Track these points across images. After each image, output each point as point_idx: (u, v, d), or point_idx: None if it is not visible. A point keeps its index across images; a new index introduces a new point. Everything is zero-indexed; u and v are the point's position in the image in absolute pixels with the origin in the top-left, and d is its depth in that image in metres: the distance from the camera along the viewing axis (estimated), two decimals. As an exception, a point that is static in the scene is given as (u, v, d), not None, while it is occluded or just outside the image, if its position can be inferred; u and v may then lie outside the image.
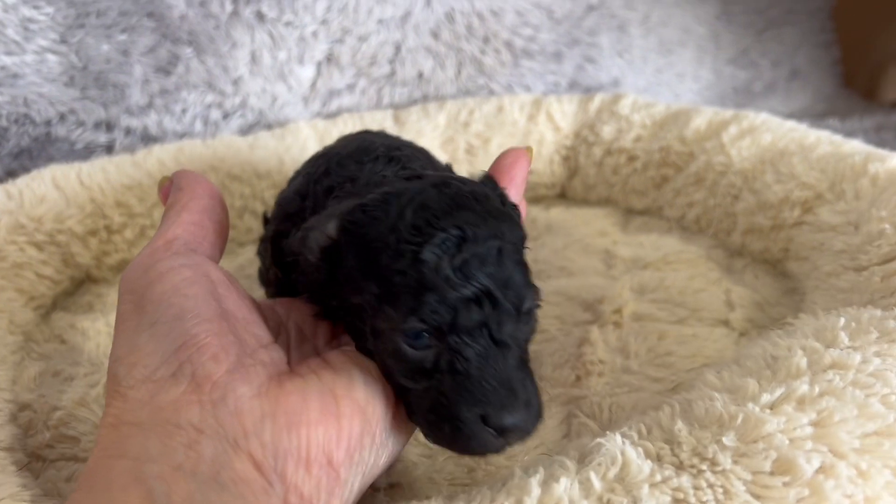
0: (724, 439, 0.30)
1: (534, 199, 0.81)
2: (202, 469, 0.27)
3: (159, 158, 0.69)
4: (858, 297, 0.44)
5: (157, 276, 0.32)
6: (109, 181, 0.66)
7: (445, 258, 0.29)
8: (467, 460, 0.40)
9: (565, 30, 0.95)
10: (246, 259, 0.68)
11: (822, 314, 0.40)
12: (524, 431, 0.30)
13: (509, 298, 0.30)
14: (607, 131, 0.77)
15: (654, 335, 0.50)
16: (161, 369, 0.29)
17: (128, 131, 0.75)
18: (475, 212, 0.31)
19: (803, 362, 0.34)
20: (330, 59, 0.84)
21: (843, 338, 0.35)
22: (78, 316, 0.58)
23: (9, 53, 0.68)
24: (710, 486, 0.28)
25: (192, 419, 0.28)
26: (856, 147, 0.58)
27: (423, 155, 0.47)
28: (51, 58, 0.70)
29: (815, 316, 0.40)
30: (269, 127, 0.81)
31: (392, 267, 0.30)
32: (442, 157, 0.73)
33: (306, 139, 0.76)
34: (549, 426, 0.43)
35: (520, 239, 0.33)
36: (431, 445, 0.41)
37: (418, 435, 0.35)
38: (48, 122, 0.71)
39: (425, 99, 0.88)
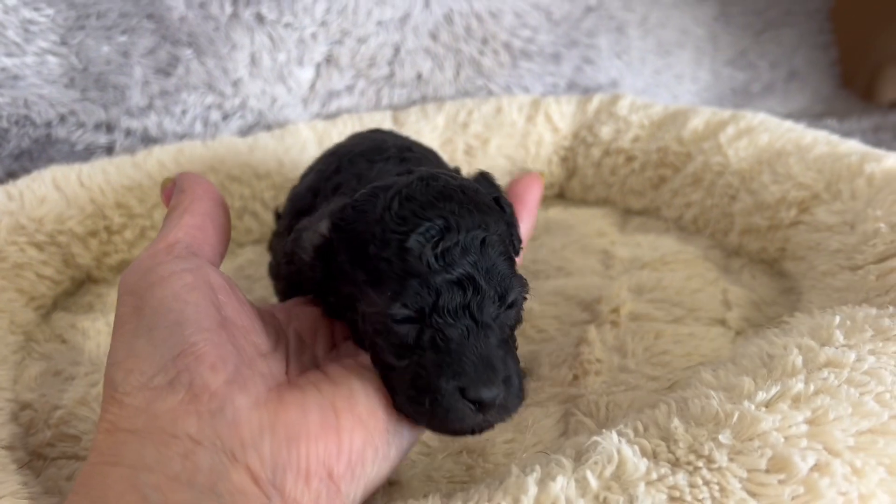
0: (720, 437, 0.30)
1: (532, 199, 0.82)
2: (199, 480, 0.27)
3: (159, 159, 0.69)
4: (854, 296, 0.45)
5: (158, 279, 0.32)
6: (110, 182, 0.66)
7: (429, 246, 0.30)
8: (465, 458, 0.41)
9: (564, 31, 0.95)
10: (245, 260, 0.69)
11: (818, 313, 0.40)
12: (503, 409, 0.30)
13: (492, 285, 0.31)
14: (605, 132, 0.77)
15: (650, 334, 0.50)
16: (158, 376, 0.29)
17: (128, 132, 0.75)
18: (461, 203, 0.32)
19: (798, 361, 0.34)
20: (329, 60, 0.84)
21: (839, 336, 0.36)
22: (78, 316, 0.58)
23: (9, 55, 0.69)
24: (706, 483, 0.28)
25: (188, 429, 0.28)
26: (852, 147, 0.59)
27: (433, 156, 0.48)
28: (51, 59, 0.71)
29: (811, 315, 0.40)
30: (268, 128, 0.81)
31: (379, 255, 0.31)
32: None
33: (306, 140, 0.77)
34: (547, 424, 0.43)
35: (506, 233, 0.33)
36: (430, 444, 0.41)
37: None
38: (48, 124, 0.72)
39: (424, 100, 0.88)
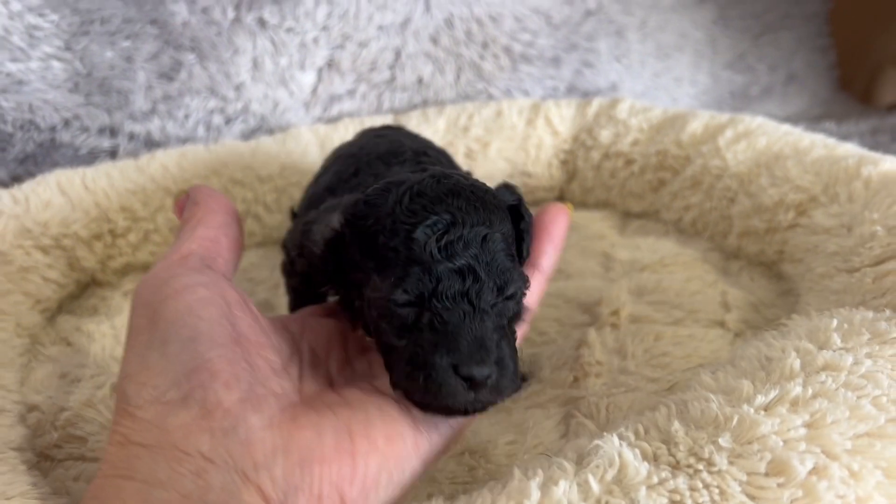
0: (720, 440, 0.30)
1: (532, 202, 0.82)
2: (210, 498, 0.27)
3: (162, 163, 0.70)
4: (851, 299, 0.45)
5: (173, 292, 0.31)
6: (114, 186, 0.67)
7: (434, 237, 0.31)
8: (468, 459, 0.41)
9: (563, 35, 0.95)
10: (248, 263, 0.69)
11: (816, 315, 0.40)
12: (495, 390, 0.31)
13: (492, 276, 0.32)
14: (605, 135, 0.78)
15: (650, 336, 0.50)
16: (171, 391, 0.29)
17: (131, 137, 0.76)
18: (468, 201, 0.33)
19: (797, 364, 0.34)
20: (331, 64, 0.84)
21: (836, 339, 0.36)
22: (83, 319, 0.59)
23: (14, 60, 0.69)
24: (707, 486, 0.29)
25: (201, 447, 0.27)
26: (849, 150, 0.59)
27: (446, 158, 0.49)
28: (55, 64, 0.71)
29: (809, 317, 0.40)
30: (270, 132, 0.82)
31: (387, 244, 0.32)
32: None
33: (307, 144, 0.77)
34: (548, 426, 0.44)
35: (510, 232, 0.34)
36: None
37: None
38: (53, 128, 0.72)
39: (425, 104, 0.89)
